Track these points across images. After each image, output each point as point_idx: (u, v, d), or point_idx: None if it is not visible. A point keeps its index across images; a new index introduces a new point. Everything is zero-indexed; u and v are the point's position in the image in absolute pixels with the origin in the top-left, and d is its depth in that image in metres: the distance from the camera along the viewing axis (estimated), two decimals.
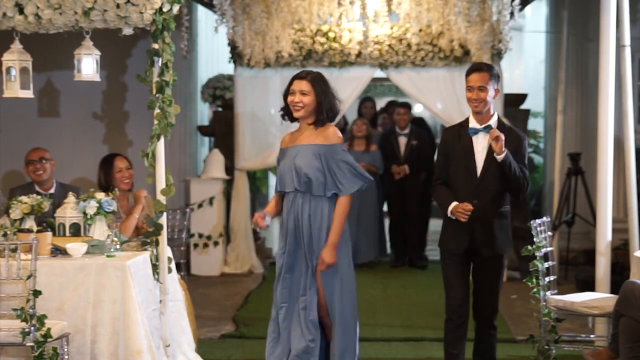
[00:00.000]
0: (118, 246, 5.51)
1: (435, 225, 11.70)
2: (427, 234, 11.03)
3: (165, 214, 5.54)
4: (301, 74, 5.16)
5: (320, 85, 5.10)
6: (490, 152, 5.31)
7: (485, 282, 5.48)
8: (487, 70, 5.36)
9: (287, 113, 5.18)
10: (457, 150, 5.40)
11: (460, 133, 5.44)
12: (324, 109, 5.09)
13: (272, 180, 12.61)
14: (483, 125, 5.39)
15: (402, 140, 10.42)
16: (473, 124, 5.41)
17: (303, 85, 5.08)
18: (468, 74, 5.43)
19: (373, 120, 11.13)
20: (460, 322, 5.51)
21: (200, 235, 9.92)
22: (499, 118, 5.48)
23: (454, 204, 5.33)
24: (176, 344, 5.73)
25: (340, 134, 5.16)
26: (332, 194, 5.10)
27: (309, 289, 5.13)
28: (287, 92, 5.13)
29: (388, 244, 11.00)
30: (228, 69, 10.71)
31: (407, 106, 10.63)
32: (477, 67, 5.42)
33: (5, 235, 5.45)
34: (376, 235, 10.53)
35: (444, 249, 5.53)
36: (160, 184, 5.46)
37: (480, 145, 5.37)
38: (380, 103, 13.84)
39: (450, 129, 5.58)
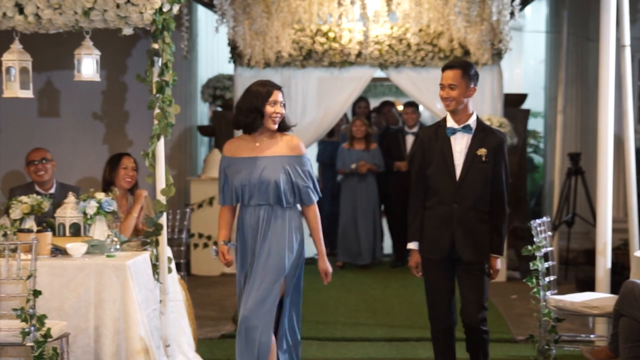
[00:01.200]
0: (118, 246, 5.51)
1: None
2: None
3: (165, 214, 5.54)
4: (276, 84, 5.10)
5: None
6: (469, 153, 5.15)
7: (471, 287, 5.25)
8: (460, 67, 5.17)
9: (251, 123, 5.06)
10: (435, 150, 5.22)
11: (438, 133, 5.25)
12: (285, 118, 5.13)
13: None
14: (461, 125, 5.19)
15: (410, 139, 10.42)
16: (451, 123, 5.21)
17: (281, 96, 5.06)
18: (442, 71, 5.24)
19: (367, 119, 11.14)
20: (447, 332, 5.36)
21: (200, 235, 9.92)
22: (478, 118, 5.27)
23: (413, 249, 5.31)
24: (176, 344, 5.73)
25: (302, 146, 5.13)
26: (296, 205, 5.12)
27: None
28: (263, 102, 5.00)
29: (389, 244, 10.99)
30: (228, 69, 10.71)
31: (415, 105, 10.62)
32: (449, 65, 5.23)
33: (5, 235, 5.45)
34: (376, 235, 10.52)
35: (424, 255, 5.31)
36: (160, 184, 5.46)
37: (459, 146, 5.18)
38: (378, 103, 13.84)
39: (428, 129, 5.40)
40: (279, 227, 5.04)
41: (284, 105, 5.07)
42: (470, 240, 5.18)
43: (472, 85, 5.17)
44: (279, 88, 5.07)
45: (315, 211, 5.14)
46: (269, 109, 5.01)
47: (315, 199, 5.11)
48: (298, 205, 5.15)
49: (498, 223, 5.18)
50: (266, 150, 5.07)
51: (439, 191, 5.20)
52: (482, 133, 5.18)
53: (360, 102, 11.05)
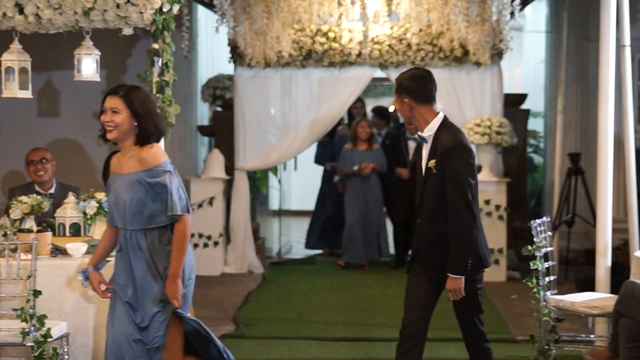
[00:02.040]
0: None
1: None
2: None
3: None
4: (115, 88, 4.54)
5: (137, 101, 4.48)
6: (426, 166, 4.85)
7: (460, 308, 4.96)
8: (396, 92, 4.89)
9: (102, 135, 4.57)
10: (417, 161, 5.01)
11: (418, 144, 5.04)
12: (144, 128, 4.49)
13: (272, 180, 12.62)
14: (419, 134, 4.90)
15: (412, 144, 10.40)
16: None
17: (117, 101, 4.47)
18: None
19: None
20: (413, 342, 5.03)
21: (200, 235, 9.91)
22: (442, 124, 4.85)
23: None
24: None
25: (161, 153, 4.60)
26: (167, 222, 4.53)
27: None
28: (101, 110, 4.53)
29: (390, 245, 10.98)
30: (228, 69, 10.70)
31: None
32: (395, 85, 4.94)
33: (5, 235, 5.46)
34: (378, 235, 10.50)
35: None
36: None
37: (424, 158, 4.90)
38: (382, 103, 13.84)
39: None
40: (138, 254, 4.53)
41: (132, 112, 4.45)
42: (432, 259, 4.86)
43: (403, 97, 4.85)
44: (116, 92, 4.50)
45: (179, 228, 4.49)
46: (102, 117, 4.51)
47: (178, 212, 4.47)
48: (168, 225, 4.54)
49: (450, 240, 4.73)
50: (123, 167, 4.55)
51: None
52: (436, 142, 4.82)
53: (356, 103, 11.04)
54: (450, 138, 4.78)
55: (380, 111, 11.77)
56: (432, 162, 4.79)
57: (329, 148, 11.17)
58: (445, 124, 4.87)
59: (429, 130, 4.84)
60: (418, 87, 4.86)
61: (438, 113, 4.89)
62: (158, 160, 4.53)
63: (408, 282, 5.04)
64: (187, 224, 4.52)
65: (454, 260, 4.73)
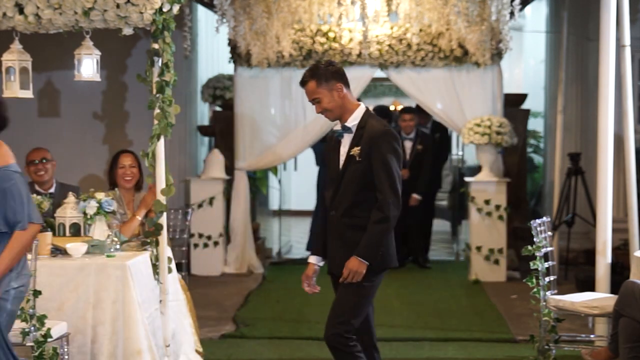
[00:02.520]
0: (118, 246, 5.51)
1: (437, 225, 11.73)
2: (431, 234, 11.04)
3: (165, 214, 5.53)
4: None
5: None
6: (347, 154, 4.63)
7: (335, 300, 4.69)
8: (311, 78, 4.62)
9: None
10: (330, 156, 4.78)
11: (333, 137, 4.78)
12: None
13: (272, 180, 12.62)
14: (342, 127, 4.70)
15: (408, 145, 10.40)
16: (338, 126, 4.76)
17: None
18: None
19: None
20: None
21: (200, 235, 9.92)
22: (366, 113, 4.70)
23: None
24: (178, 344, 5.73)
25: (8, 154, 4.33)
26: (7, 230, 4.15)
27: None
28: None
29: None
30: (228, 69, 10.71)
31: (412, 111, 10.62)
32: (301, 81, 4.69)
33: None
34: None
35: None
36: (160, 184, 5.46)
37: (344, 148, 4.67)
38: (381, 103, 13.84)
39: (332, 134, 4.83)
40: None
41: None
42: (339, 251, 4.64)
43: (333, 85, 4.62)
44: None
45: (16, 236, 4.11)
46: None
47: (21, 221, 4.11)
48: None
49: (370, 226, 4.56)
50: None
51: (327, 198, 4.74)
52: (361, 130, 4.62)
53: None
54: (379, 125, 4.64)
55: (383, 110, 11.80)
56: (357, 150, 4.59)
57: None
58: (369, 113, 4.73)
59: (354, 120, 4.66)
60: (344, 72, 4.71)
61: (360, 103, 4.75)
62: (7, 161, 4.24)
63: (335, 287, 4.72)
64: (31, 233, 4.15)
65: (368, 245, 4.56)
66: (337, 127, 4.73)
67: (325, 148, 4.87)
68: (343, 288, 4.60)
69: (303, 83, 4.67)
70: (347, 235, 4.62)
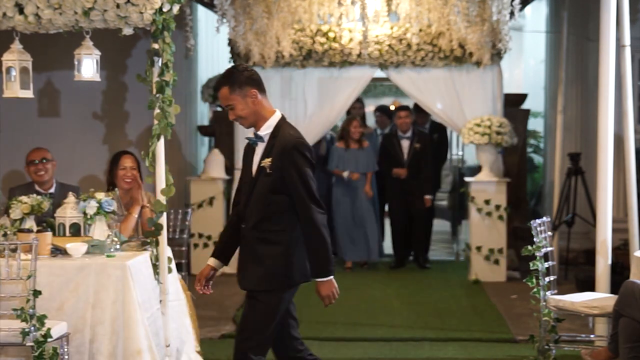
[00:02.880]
0: (118, 246, 5.50)
1: (437, 225, 11.74)
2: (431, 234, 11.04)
3: (165, 214, 5.53)
4: None
5: None
6: (258, 165, 4.47)
7: (241, 317, 4.56)
8: (223, 84, 4.45)
9: None
10: (245, 163, 4.64)
11: (249, 144, 4.62)
12: None
13: None
14: (255, 135, 4.53)
15: (405, 144, 10.41)
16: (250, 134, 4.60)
17: None
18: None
19: (361, 119, 11.13)
20: None
21: (200, 235, 9.92)
22: (281, 121, 4.52)
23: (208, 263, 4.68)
24: (178, 344, 5.73)
25: None
26: None
27: None
28: None
29: (389, 245, 10.98)
30: None
31: (408, 109, 10.62)
32: (215, 86, 4.53)
33: (5, 235, 5.45)
34: (374, 234, 10.45)
35: None
36: (160, 184, 5.46)
37: (257, 157, 4.52)
38: (381, 103, 13.84)
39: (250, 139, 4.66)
40: None
41: None
42: (247, 266, 4.50)
43: (247, 91, 4.44)
44: None
45: None
46: None
47: None
48: None
49: (307, 243, 4.39)
50: None
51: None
52: (273, 140, 4.44)
53: (355, 103, 11.04)
54: (290, 136, 4.44)
55: (385, 109, 11.81)
56: (267, 161, 4.42)
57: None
58: (284, 121, 4.53)
59: (267, 129, 4.47)
60: (259, 77, 4.50)
61: (275, 110, 4.55)
62: None
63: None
64: None
65: (318, 262, 4.39)
66: (251, 134, 4.54)
67: (243, 153, 4.68)
68: (247, 305, 4.49)
69: (216, 89, 4.49)
70: (256, 249, 4.45)
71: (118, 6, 5.28)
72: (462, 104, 9.82)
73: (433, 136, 10.91)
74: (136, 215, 6.15)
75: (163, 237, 5.52)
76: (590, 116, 9.94)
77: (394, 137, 10.51)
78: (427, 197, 10.38)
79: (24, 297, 4.95)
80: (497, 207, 9.53)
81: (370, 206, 10.45)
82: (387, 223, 11.43)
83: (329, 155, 10.55)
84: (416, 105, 10.77)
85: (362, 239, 10.33)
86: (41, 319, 4.94)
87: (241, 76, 4.43)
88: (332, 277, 4.40)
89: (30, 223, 5.62)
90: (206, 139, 11.55)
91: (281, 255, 4.43)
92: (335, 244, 10.50)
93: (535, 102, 11.79)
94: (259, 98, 4.46)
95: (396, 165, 10.37)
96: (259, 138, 4.48)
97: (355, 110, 11.10)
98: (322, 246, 4.37)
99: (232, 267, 10.55)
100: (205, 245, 9.90)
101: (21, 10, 5.36)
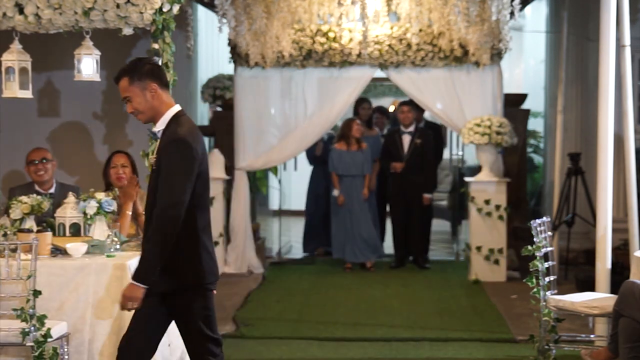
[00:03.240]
0: (118, 246, 5.51)
1: (437, 225, 11.74)
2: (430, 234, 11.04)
3: None
4: None
5: None
6: (151, 167, 4.29)
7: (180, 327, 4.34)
8: (123, 75, 4.29)
9: None
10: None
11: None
12: None
13: (272, 180, 12.61)
14: (151, 130, 4.32)
15: (406, 139, 10.40)
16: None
17: None
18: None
19: (369, 121, 11.12)
20: None
21: None
22: (176, 115, 4.24)
23: None
24: (179, 344, 5.72)
25: None
26: None
27: None
28: None
29: (390, 245, 10.97)
30: (228, 69, 10.70)
31: (410, 103, 10.61)
32: (115, 77, 4.34)
33: (5, 235, 5.45)
34: (372, 236, 10.42)
35: None
36: None
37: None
38: (381, 103, 13.84)
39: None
40: None
41: None
42: (167, 266, 4.18)
43: (147, 84, 4.23)
44: None
45: None
46: None
47: None
48: None
49: (145, 242, 4.14)
50: None
51: None
52: (164, 136, 4.20)
53: (363, 103, 11.02)
54: (174, 131, 4.14)
55: (383, 110, 11.82)
56: (152, 158, 4.26)
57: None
58: (178, 116, 4.24)
59: (161, 124, 4.23)
60: (160, 69, 4.33)
61: (173, 104, 4.28)
62: None
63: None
64: None
65: (142, 265, 4.09)
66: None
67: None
68: (179, 312, 4.26)
69: (116, 79, 4.30)
70: (181, 244, 4.14)
71: (118, 6, 5.28)
72: (462, 104, 9.82)
73: None
74: (129, 212, 6.10)
75: None
76: (590, 116, 9.93)
77: (396, 133, 10.52)
78: (427, 195, 10.36)
79: (24, 297, 4.95)
80: (497, 207, 9.53)
81: (368, 207, 10.44)
82: (387, 223, 11.42)
83: (327, 157, 10.54)
84: (412, 102, 10.77)
85: (360, 240, 10.32)
86: (41, 319, 4.94)
87: (143, 68, 4.24)
88: (144, 287, 4.07)
89: (30, 223, 5.62)
90: (206, 139, 11.54)
91: (193, 257, 4.19)
92: (333, 245, 10.50)
93: (535, 102, 11.78)
94: (158, 92, 4.23)
95: (396, 160, 10.36)
96: (154, 135, 4.29)
97: (364, 111, 11.08)
98: (154, 252, 4.06)
99: (232, 267, 10.54)
100: None
101: (21, 10, 5.37)
